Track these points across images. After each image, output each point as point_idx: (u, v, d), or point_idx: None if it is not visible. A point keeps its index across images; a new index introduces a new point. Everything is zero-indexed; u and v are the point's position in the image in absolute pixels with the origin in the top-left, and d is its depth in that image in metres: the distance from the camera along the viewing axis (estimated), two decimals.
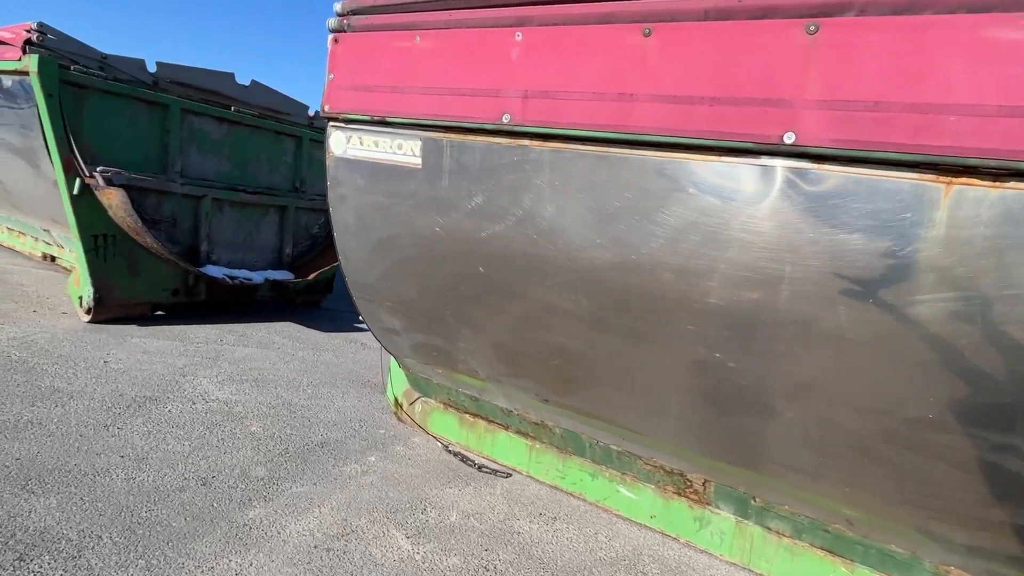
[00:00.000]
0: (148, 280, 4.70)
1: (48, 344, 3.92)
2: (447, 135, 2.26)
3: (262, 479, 2.72)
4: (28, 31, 3.92)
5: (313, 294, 6.23)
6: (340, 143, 2.57)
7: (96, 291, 4.36)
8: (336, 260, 5.93)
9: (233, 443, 3.02)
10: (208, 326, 4.95)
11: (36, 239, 5.94)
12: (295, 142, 5.73)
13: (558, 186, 2.02)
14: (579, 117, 1.90)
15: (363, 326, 5.91)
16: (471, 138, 2.19)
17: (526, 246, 2.18)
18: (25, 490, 2.33)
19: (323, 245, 6.16)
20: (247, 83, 5.28)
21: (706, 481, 2.56)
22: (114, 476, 2.54)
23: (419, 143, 2.33)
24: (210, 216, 4.98)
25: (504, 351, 2.61)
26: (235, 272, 5.08)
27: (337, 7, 2.53)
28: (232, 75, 5.13)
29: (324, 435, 3.29)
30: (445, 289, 2.54)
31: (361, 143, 2.51)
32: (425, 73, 2.26)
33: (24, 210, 5.27)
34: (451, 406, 3.41)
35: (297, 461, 2.94)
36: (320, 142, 6.12)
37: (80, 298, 4.45)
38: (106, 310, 4.49)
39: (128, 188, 4.25)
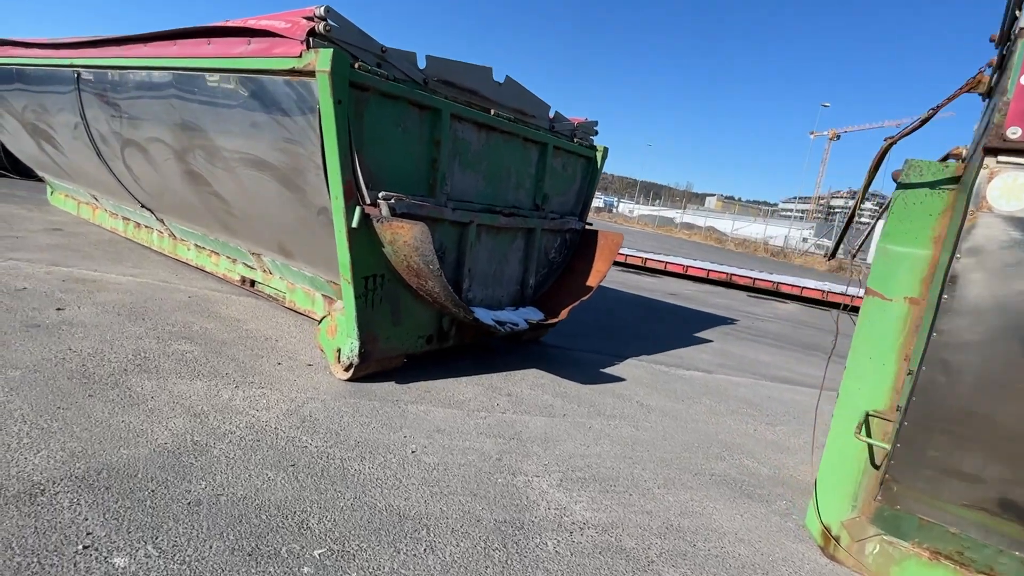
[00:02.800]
0: (407, 328, 3.82)
1: (328, 420, 3.07)
2: None
3: None
4: (312, 18, 3.04)
5: (537, 330, 5.27)
6: (1017, 194, 1.48)
7: (362, 345, 3.49)
8: (583, 294, 4.97)
9: None
10: (463, 381, 4.04)
11: (234, 260, 5.22)
12: (539, 151, 4.74)
13: None
14: None
15: (612, 372, 4.91)
16: None
17: None
18: None
19: (558, 273, 5.17)
20: (502, 80, 4.31)
21: None
22: None
23: None
24: (473, 246, 4.06)
25: None
26: (500, 316, 4.14)
27: None
28: (490, 70, 4.17)
29: None
30: None
31: None
32: None
33: (242, 233, 4.51)
34: (951, 559, 2.31)
35: None
36: (561, 149, 5.15)
37: (338, 351, 3.60)
38: (366, 366, 3.63)
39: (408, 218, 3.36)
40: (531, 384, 4.25)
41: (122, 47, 4.43)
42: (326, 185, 3.21)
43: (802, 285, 12.99)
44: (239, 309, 4.77)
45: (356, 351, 3.49)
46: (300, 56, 3.04)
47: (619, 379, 4.75)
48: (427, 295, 3.53)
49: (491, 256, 4.36)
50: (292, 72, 3.11)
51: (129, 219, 6.50)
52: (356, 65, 3.11)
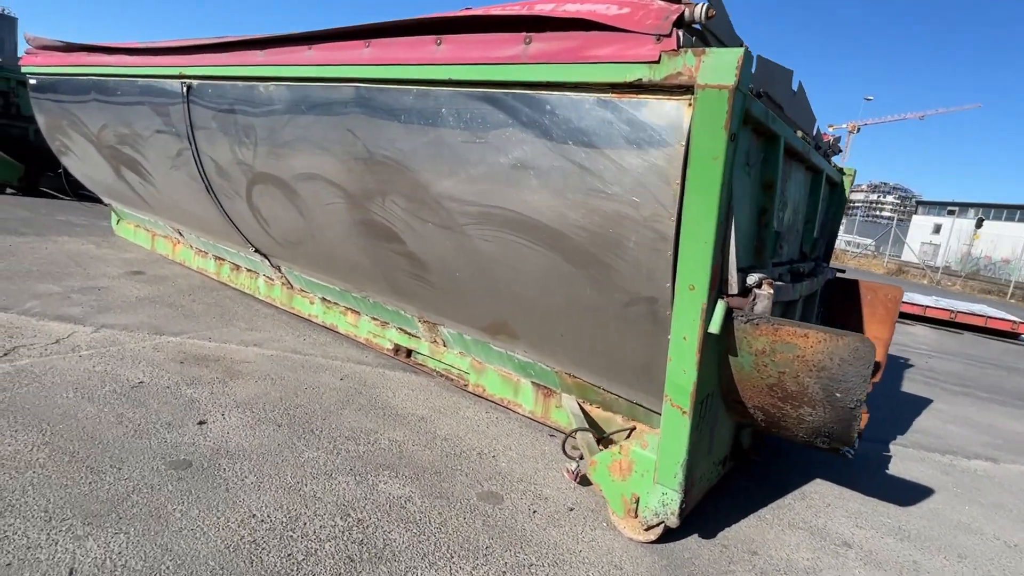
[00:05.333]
0: (714, 456, 2.62)
1: None
2: None
3: None
4: None
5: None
6: None
7: (684, 497, 2.29)
8: None
9: None
10: (767, 520, 2.83)
11: (384, 324, 4.04)
12: (812, 180, 3.52)
13: None
14: None
15: (901, 476, 3.67)
16: None
17: None
18: None
19: None
20: (795, 87, 3.09)
21: None
22: None
23: None
24: None
25: None
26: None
27: None
28: (791, 74, 2.95)
29: None
30: None
31: None
32: None
33: (427, 302, 3.32)
34: None
35: None
36: (835, 184, 3.89)
37: (635, 501, 2.40)
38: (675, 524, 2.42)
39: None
40: (845, 512, 3.03)
41: (265, 52, 3.26)
42: (671, 265, 2.01)
43: (923, 304, 11.65)
44: (409, 396, 3.59)
45: (676, 508, 2.28)
46: (658, 61, 1.83)
47: (926, 490, 3.51)
48: (777, 419, 2.31)
49: None
50: (632, 87, 1.91)
51: (224, 259, 5.35)
52: None
